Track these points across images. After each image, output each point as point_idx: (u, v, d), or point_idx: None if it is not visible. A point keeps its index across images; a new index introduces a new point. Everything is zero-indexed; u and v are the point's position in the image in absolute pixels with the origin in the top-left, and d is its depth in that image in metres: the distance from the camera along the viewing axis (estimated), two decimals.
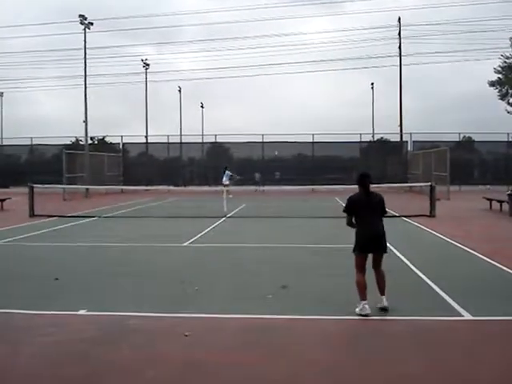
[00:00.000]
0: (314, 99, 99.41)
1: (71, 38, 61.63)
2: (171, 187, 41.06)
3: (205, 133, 58.75)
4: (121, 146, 46.90)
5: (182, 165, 47.72)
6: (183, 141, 49.84)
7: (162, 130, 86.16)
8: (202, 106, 70.77)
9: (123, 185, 40.97)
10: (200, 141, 50.40)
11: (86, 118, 39.13)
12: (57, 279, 9.86)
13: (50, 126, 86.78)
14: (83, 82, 39.59)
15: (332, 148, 44.63)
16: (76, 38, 42.64)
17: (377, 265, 7.86)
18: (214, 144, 48.13)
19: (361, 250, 7.83)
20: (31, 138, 47.08)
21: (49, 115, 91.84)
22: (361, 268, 7.76)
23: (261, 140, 44.16)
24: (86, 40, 39.79)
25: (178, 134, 54.54)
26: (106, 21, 61.25)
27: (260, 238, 15.67)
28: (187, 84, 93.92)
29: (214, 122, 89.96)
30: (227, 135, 47.21)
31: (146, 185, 39.19)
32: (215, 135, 47.42)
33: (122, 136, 46.66)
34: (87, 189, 35.46)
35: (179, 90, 65.22)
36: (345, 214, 8.26)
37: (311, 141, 43.67)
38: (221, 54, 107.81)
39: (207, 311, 7.72)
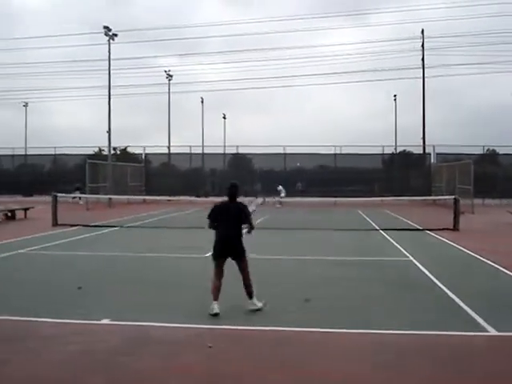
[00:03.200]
0: (337, 111, 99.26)
1: (96, 49, 62.34)
2: (193, 198, 41.16)
3: (227, 144, 58.95)
4: (143, 157, 47.22)
5: (203, 175, 47.89)
6: (205, 152, 50.03)
7: (185, 140, 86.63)
8: (224, 117, 70.98)
9: (145, 195, 41.17)
10: (222, 152, 50.57)
11: (109, 128, 39.48)
12: (80, 288, 9.91)
13: (74, 136, 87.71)
14: (107, 93, 40.02)
15: (354, 160, 44.43)
16: (101, 49, 43.08)
17: (240, 270, 8.33)
18: (236, 155, 48.25)
19: (215, 254, 8.37)
20: (55, 147, 47.67)
21: (72, 125, 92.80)
22: (217, 272, 8.30)
23: (283, 151, 44.18)
24: (111, 51, 40.26)
25: (200, 144, 54.71)
26: (130, 32, 61.86)
27: (283, 249, 15.61)
28: (210, 95, 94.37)
29: (236, 133, 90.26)
30: (249, 146, 47.27)
31: (168, 195, 39.33)
32: (237, 146, 47.57)
33: (144, 147, 47.06)
34: (110, 198, 35.74)
35: (202, 101, 65.54)
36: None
37: (333, 152, 43.58)
38: (244, 65, 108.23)
39: (230, 323, 7.69)
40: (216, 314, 7.91)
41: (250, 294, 8.35)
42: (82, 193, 33.97)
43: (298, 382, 5.56)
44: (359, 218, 27.38)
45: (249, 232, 8.74)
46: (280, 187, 39.00)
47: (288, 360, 6.20)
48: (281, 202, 36.99)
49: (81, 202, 35.43)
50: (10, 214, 26.20)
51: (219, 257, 8.37)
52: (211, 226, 8.62)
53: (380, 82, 77.74)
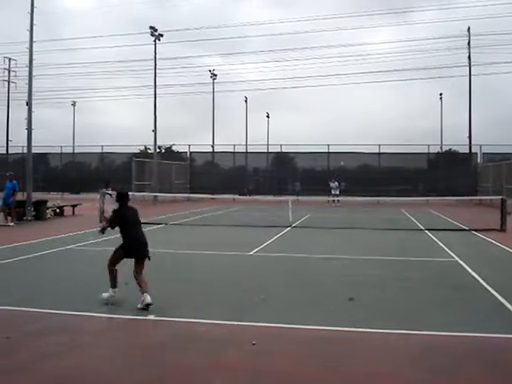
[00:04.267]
0: (380, 110, 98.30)
1: (142, 49, 63.25)
2: (236, 196, 41.38)
3: (270, 142, 59.04)
4: (188, 155, 47.67)
5: (246, 174, 48.10)
6: (249, 150, 50.23)
7: (228, 139, 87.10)
8: (267, 116, 71.12)
9: (190, 193, 41.57)
10: (265, 150, 50.66)
11: (155, 126, 40.03)
12: (127, 284, 10.08)
13: (120, 134, 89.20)
14: (153, 92, 40.57)
15: (398, 159, 43.91)
16: (147, 50, 43.70)
17: (139, 269, 8.77)
18: (279, 154, 48.29)
19: (127, 255, 8.83)
20: (102, 146, 48.52)
21: (119, 124, 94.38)
22: (117, 262, 8.91)
23: (326, 150, 43.99)
24: (157, 51, 40.80)
25: (244, 143, 54.96)
26: (176, 32, 62.50)
27: (326, 248, 15.58)
28: (253, 94, 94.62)
29: (279, 132, 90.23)
30: (293, 145, 47.24)
31: (212, 193, 39.65)
32: (280, 145, 47.58)
33: (189, 145, 47.49)
34: (155, 196, 36.19)
35: (245, 100, 65.81)
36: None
37: (377, 151, 43.17)
38: (287, 64, 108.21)
39: (274, 320, 7.74)
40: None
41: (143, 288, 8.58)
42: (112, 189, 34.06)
43: (340, 381, 5.58)
44: (404, 217, 27.09)
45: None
46: (334, 184, 38.40)
47: (333, 359, 6.22)
48: (339, 200, 36.81)
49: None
50: (58, 211, 26.83)
51: (132, 257, 8.87)
52: (104, 229, 9.22)
53: (424, 80, 76.51)
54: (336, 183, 38.28)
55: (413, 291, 9.84)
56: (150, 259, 8.97)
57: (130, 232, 8.94)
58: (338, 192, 37.91)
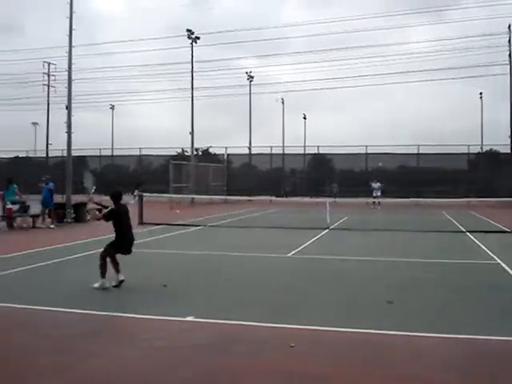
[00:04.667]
0: (419, 110, 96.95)
1: (179, 51, 63.74)
2: (273, 198, 41.34)
3: (307, 144, 58.80)
4: (225, 157, 47.84)
5: (283, 175, 48.03)
6: (286, 152, 50.15)
7: (265, 141, 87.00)
8: (304, 117, 70.88)
9: (227, 195, 41.71)
10: (302, 152, 50.53)
11: (192, 129, 40.28)
12: (165, 286, 10.15)
13: (158, 137, 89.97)
14: (190, 95, 40.82)
15: (438, 160, 43.23)
16: (183, 52, 44.03)
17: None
18: (316, 155, 48.09)
19: (121, 250, 10.33)
20: (140, 148, 49.08)
21: (156, 127, 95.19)
22: (109, 256, 10.12)
23: (364, 151, 43.63)
24: (193, 53, 41.07)
25: (281, 145, 54.85)
26: (213, 34, 62.83)
27: (364, 250, 15.42)
28: (290, 95, 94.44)
29: (316, 133, 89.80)
30: (330, 146, 46.93)
31: (249, 195, 39.69)
32: (318, 146, 47.35)
33: (226, 147, 47.66)
34: (192, 198, 36.41)
35: (282, 102, 65.69)
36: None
37: (416, 152, 42.62)
38: (324, 65, 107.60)
39: (312, 323, 7.67)
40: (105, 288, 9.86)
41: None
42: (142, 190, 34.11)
43: None
44: (444, 219, 26.68)
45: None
46: (376, 184, 36.96)
47: (371, 362, 6.12)
48: (379, 202, 35.25)
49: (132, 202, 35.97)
50: (98, 213, 27.12)
51: (122, 252, 10.37)
52: (100, 217, 10.96)
53: (463, 79, 75.28)
54: (378, 183, 37.12)
55: (454, 294, 9.65)
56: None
57: (122, 225, 10.40)
58: (379, 193, 36.61)
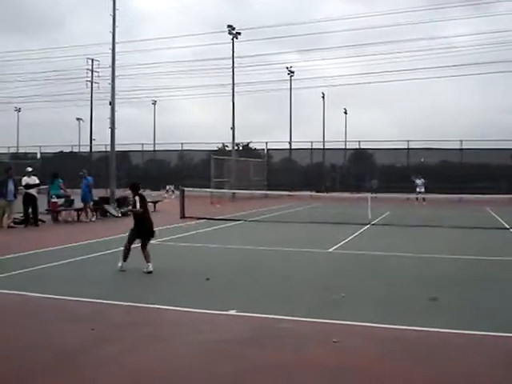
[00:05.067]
0: (461, 104, 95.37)
1: (219, 47, 64.01)
2: (313, 193, 41.22)
3: (348, 139, 58.44)
4: (265, 152, 47.90)
5: (324, 171, 47.84)
6: (326, 147, 49.91)
7: (306, 135, 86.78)
8: (345, 112, 70.43)
9: (267, 190, 41.77)
10: (343, 147, 50.22)
11: (233, 124, 40.48)
12: (208, 279, 10.27)
13: (199, 132, 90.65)
14: (231, 90, 41.00)
15: (481, 155, 42.37)
16: (225, 48, 44.20)
17: (146, 246, 11.24)
18: (357, 150, 47.73)
19: (141, 235, 11.27)
20: (181, 143, 49.53)
21: (198, 122, 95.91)
22: (132, 242, 11.28)
23: (406, 146, 43.11)
24: (234, 49, 41.21)
25: (321, 140, 54.63)
26: (253, 30, 62.92)
27: (407, 246, 15.29)
28: (331, 90, 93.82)
29: (357, 128, 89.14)
30: (371, 141, 46.52)
31: (289, 190, 39.67)
32: (359, 141, 47.01)
33: (266, 142, 47.73)
34: (233, 193, 36.59)
35: (323, 97, 65.38)
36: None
37: (459, 147, 41.92)
38: (365, 59, 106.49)
39: (354, 319, 7.67)
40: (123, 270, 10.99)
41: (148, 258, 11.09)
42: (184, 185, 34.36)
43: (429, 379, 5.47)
44: (488, 215, 26.22)
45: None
46: (418, 180, 36.74)
47: (416, 358, 6.11)
48: (424, 198, 35.07)
49: (173, 196, 36.29)
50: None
51: (142, 237, 11.29)
52: (135, 211, 11.46)
53: (509, 73, 73.54)
54: (422, 179, 36.69)
55: (498, 292, 9.52)
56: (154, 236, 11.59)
57: (146, 213, 11.50)
58: (423, 189, 36.22)
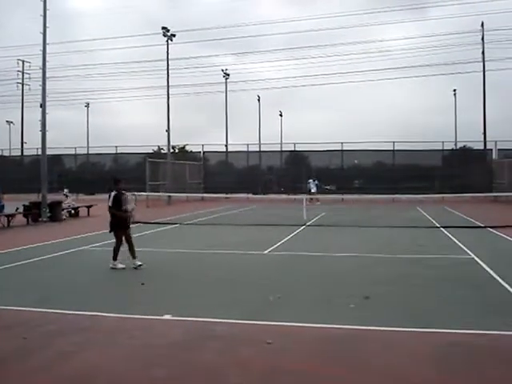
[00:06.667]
0: (395, 106, 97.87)
1: (155, 49, 63.50)
2: (250, 195, 41.37)
3: (284, 141, 58.98)
4: (201, 155, 47.75)
5: (260, 173, 48.07)
6: (262, 149, 50.18)
7: (242, 138, 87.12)
8: (280, 115, 71.07)
9: (204, 192, 41.66)
10: (279, 149, 50.60)
11: (168, 127, 40.11)
12: (143, 284, 10.15)
13: (134, 135, 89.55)
14: (166, 93, 40.66)
15: (413, 156, 43.59)
16: (160, 50, 43.84)
17: (130, 237, 12.34)
18: (293, 152, 48.19)
19: (121, 227, 12.25)
20: (116, 146, 48.73)
21: (133, 125, 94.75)
22: (121, 240, 12.25)
23: (340, 148, 43.82)
24: (169, 51, 40.90)
25: (257, 142, 54.93)
26: (188, 32, 62.73)
27: (341, 246, 15.55)
28: (267, 93, 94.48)
29: (292, 131, 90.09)
30: (306, 144, 47.07)
31: (226, 193, 39.69)
32: (294, 143, 47.49)
33: (203, 145, 47.58)
34: (169, 196, 36.30)
35: (258, 99, 65.81)
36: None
37: (392, 149, 42.92)
38: (300, 62, 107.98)
39: (289, 319, 7.73)
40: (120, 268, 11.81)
41: (133, 254, 12.19)
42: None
43: (356, 380, 5.56)
44: (419, 215, 26.95)
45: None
46: (311, 181, 38.59)
47: (349, 357, 6.20)
48: (318, 199, 36.18)
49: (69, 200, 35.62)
50: (73, 212, 26.99)
51: (123, 229, 12.30)
52: (114, 212, 12.32)
53: (438, 76, 75.94)
54: (316, 181, 38.60)
55: (429, 289, 9.78)
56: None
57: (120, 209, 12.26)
58: (315, 190, 37.99)
